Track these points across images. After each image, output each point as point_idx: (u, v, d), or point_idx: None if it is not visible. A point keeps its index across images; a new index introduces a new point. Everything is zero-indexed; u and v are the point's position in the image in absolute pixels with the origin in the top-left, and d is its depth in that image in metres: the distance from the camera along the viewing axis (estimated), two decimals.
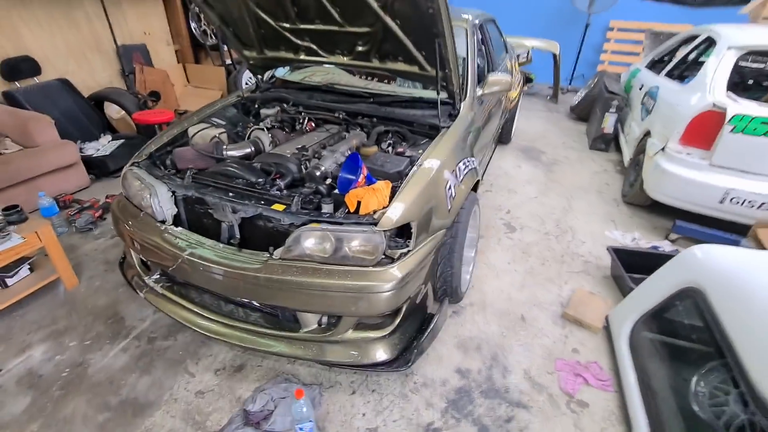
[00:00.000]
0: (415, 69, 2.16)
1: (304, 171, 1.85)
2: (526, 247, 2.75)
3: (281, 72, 2.92)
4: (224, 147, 2.04)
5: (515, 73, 4.05)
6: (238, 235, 1.69)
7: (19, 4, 3.37)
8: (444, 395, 1.73)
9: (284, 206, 1.63)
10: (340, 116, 2.35)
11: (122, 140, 3.65)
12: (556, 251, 2.71)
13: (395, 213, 1.54)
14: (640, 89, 3.91)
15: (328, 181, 1.81)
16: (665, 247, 2.72)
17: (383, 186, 1.63)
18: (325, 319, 1.70)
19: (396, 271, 1.53)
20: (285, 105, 2.49)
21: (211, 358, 1.86)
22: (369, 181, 1.68)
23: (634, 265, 2.36)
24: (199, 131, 2.19)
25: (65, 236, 2.68)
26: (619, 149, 4.39)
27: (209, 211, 1.74)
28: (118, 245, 2.61)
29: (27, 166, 2.80)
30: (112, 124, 3.96)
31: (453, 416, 1.65)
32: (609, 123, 4.29)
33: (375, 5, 1.79)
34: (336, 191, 1.71)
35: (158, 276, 1.95)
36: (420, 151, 1.94)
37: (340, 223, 1.53)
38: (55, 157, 2.97)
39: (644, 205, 3.22)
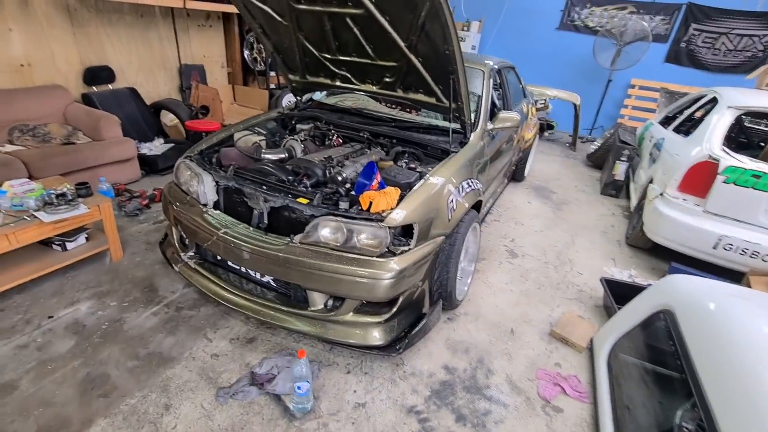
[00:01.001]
0: (432, 100, 2.49)
1: (328, 175, 2.16)
2: (525, 272, 2.92)
3: (318, 95, 3.34)
4: (263, 150, 2.39)
5: (531, 117, 4.37)
6: (266, 221, 1.99)
7: (107, 24, 3.99)
8: (429, 385, 1.90)
9: (308, 200, 1.93)
10: (365, 135, 2.68)
11: (172, 144, 4.12)
12: (553, 279, 2.88)
13: (400, 214, 1.81)
14: (650, 141, 4.13)
15: (347, 185, 2.11)
16: None
17: (392, 191, 1.91)
18: (330, 302, 1.94)
19: (395, 263, 1.77)
20: (318, 122, 2.86)
21: (228, 329, 2.10)
22: (381, 186, 1.96)
23: (625, 297, 2.49)
24: (242, 136, 2.57)
25: (116, 218, 3.05)
26: (628, 196, 4.55)
27: (244, 199, 2.05)
28: (159, 230, 2.96)
29: (93, 156, 3.25)
30: (165, 130, 4.46)
31: (435, 403, 1.81)
32: (620, 170, 4.49)
33: (402, 44, 2.15)
34: (353, 193, 2.00)
35: (193, 253, 2.26)
36: (429, 169, 2.23)
37: (353, 218, 1.81)
38: (116, 151, 3.42)
39: (645, 247, 3.35)
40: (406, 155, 2.54)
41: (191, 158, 2.32)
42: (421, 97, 2.53)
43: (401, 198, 1.92)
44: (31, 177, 2.91)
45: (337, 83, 2.80)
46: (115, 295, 2.28)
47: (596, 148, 5.71)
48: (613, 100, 7.10)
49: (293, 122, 2.96)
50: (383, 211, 1.84)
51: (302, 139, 2.68)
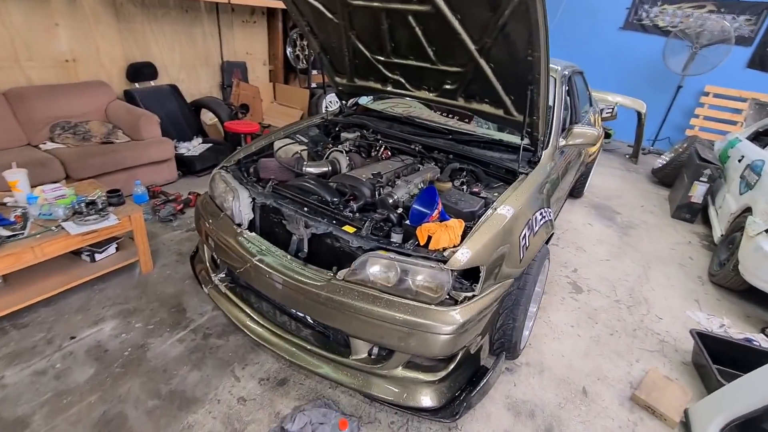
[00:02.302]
0: (499, 112, 2.15)
1: (376, 196, 1.88)
2: (592, 312, 2.53)
3: (364, 100, 3.06)
4: (304, 163, 2.14)
5: (598, 128, 3.90)
6: (306, 250, 1.73)
7: (153, 19, 3.90)
8: None
9: (355, 228, 1.65)
10: (416, 148, 2.38)
11: (211, 144, 3.99)
12: (627, 323, 2.47)
13: (466, 254, 1.50)
14: (740, 161, 3.57)
15: (399, 210, 1.81)
16: (761, 341, 2.37)
17: (456, 224, 1.60)
18: (376, 350, 1.66)
19: (458, 314, 1.47)
20: (365, 131, 2.58)
21: (258, 366, 1.87)
22: (442, 217, 1.65)
23: (721, 355, 2.07)
24: (283, 146, 2.33)
25: (148, 223, 2.92)
26: (706, 222, 4.00)
27: (282, 222, 1.81)
28: (191, 239, 2.79)
29: (131, 156, 3.14)
30: (204, 129, 4.35)
31: None
32: (698, 192, 3.94)
33: (472, 47, 1.82)
34: (407, 222, 1.71)
35: (224, 275, 2.04)
36: (495, 194, 1.90)
37: (408, 255, 1.51)
38: (154, 151, 3.30)
39: (737, 289, 2.85)
40: (464, 174, 2.21)
41: (227, 169, 2.10)
42: (485, 107, 2.20)
43: (465, 232, 1.60)
44: (67, 177, 2.82)
45: (389, 88, 2.51)
46: (141, 314, 2.11)
47: (664, 163, 5.12)
48: (681, 108, 6.40)
49: (337, 129, 2.70)
50: (444, 248, 1.53)
51: (347, 149, 2.41)
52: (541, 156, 2.19)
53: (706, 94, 6.18)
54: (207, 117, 4.38)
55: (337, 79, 2.71)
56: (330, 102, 5.16)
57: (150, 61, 3.91)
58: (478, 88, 2.10)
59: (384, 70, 2.37)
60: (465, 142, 2.34)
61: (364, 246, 1.59)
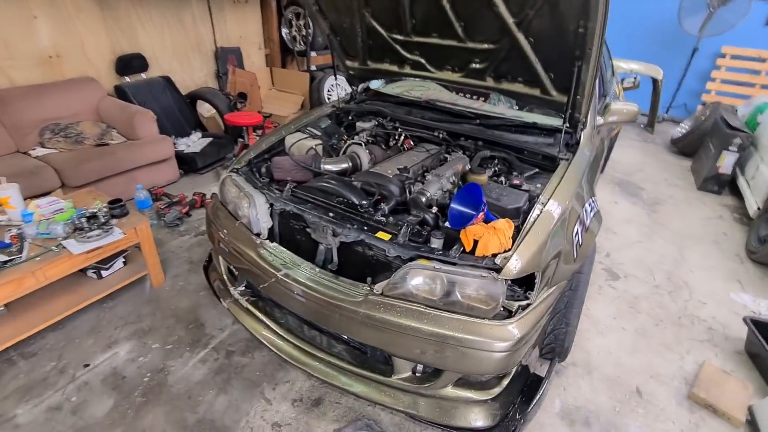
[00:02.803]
0: (535, 92, 1.94)
1: (407, 195, 1.70)
2: (633, 300, 2.39)
3: (375, 84, 2.82)
4: (322, 160, 1.95)
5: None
6: (336, 260, 1.56)
7: (137, 3, 3.60)
8: None
9: (389, 235, 1.48)
10: (440, 136, 2.18)
11: (211, 138, 3.76)
12: (671, 311, 2.33)
13: (518, 262, 1.33)
14: None
15: (434, 210, 1.64)
16: None
17: (505, 225, 1.42)
18: (420, 367, 1.51)
19: (514, 328, 1.31)
20: (382, 119, 2.37)
21: (288, 385, 1.74)
22: (487, 217, 1.48)
23: None
24: (296, 141, 2.12)
25: (154, 229, 2.73)
26: (735, 193, 3.82)
27: (306, 229, 1.63)
28: (201, 245, 2.63)
29: (129, 158, 2.93)
30: (203, 122, 4.11)
31: None
32: (726, 162, 3.74)
33: (510, 21, 1.60)
34: (445, 223, 1.53)
35: (243, 288, 1.88)
36: (538, 186, 1.71)
37: (454, 263, 1.35)
38: (153, 151, 3.09)
39: None
40: (496, 162, 2.02)
41: (238, 171, 1.91)
42: (518, 87, 1.98)
43: (514, 232, 1.43)
44: (63, 186, 2.63)
45: (406, 70, 2.28)
46: (156, 333, 1.96)
47: (685, 132, 4.90)
48: (696, 72, 6.10)
49: (350, 118, 2.48)
50: (494, 255, 1.36)
51: (364, 140, 2.21)
52: (580, 138, 1.99)
53: (723, 55, 5.88)
54: (204, 109, 4.14)
55: (348, 63, 2.48)
56: (332, 86, 4.89)
57: (139, 52, 3.64)
58: (512, 66, 1.88)
59: (402, 51, 2.14)
60: (495, 127, 2.14)
61: (402, 255, 1.42)
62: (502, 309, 1.34)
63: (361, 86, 2.77)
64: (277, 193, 1.73)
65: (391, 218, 1.56)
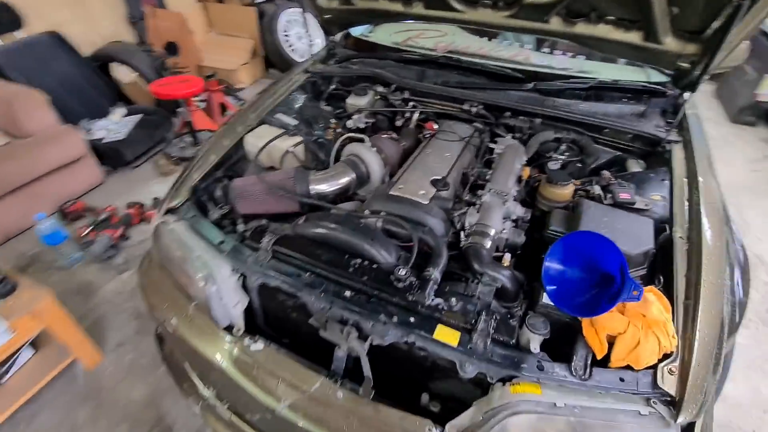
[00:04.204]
0: (633, 38, 1.26)
1: (461, 240, 1.07)
2: None
3: (358, 30, 1.97)
4: (310, 178, 1.23)
5: None
6: (369, 375, 0.94)
7: None
8: None
9: (457, 331, 0.87)
10: (473, 110, 1.48)
11: (140, 116, 2.81)
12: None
13: (697, 380, 0.77)
14: None
15: (507, 260, 1.03)
16: None
17: (660, 306, 0.83)
18: None
19: None
20: (382, 88, 1.61)
21: None
22: (629, 294, 0.86)
23: None
24: (263, 146, 1.37)
25: (80, 268, 1.99)
26: None
27: (310, 321, 0.98)
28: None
29: (17, 169, 2.04)
30: (125, 92, 3.10)
31: None
32: None
33: None
34: (544, 300, 0.93)
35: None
36: (653, 196, 1.11)
37: (590, 394, 0.78)
38: (54, 151, 2.19)
39: None
40: (563, 150, 1.38)
41: (180, 213, 1.19)
42: (605, 31, 1.29)
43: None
44: None
45: (417, 10, 1.50)
46: None
47: None
48: None
49: (334, 88, 1.70)
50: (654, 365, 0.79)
51: (360, 126, 1.49)
52: (684, 106, 1.36)
53: None
54: (122, 73, 3.09)
55: (320, 1, 1.63)
56: (288, 22, 3.83)
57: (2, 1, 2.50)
58: None
59: None
60: (557, 93, 1.45)
61: (490, 374, 0.83)
62: None
63: (339, 34, 1.93)
64: (250, 252, 1.06)
65: (454, 301, 0.94)
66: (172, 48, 3.46)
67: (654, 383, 0.78)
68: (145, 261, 1.28)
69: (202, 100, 3.10)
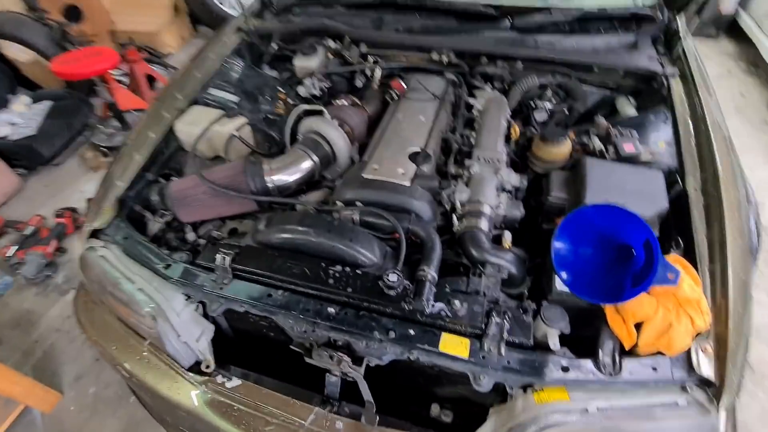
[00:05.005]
0: None
1: (455, 225, 0.92)
2: None
3: None
4: (264, 168, 1.02)
5: None
6: (370, 400, 0.81)
7: None
8: None
9: (466, 339, 0.75)
10: (444, 59, 1.27)
11: (49, 102, 2.36)
12: None
13: (735, 357, 0.70)
14: None
15: (508, 241, 0.90)
16: None
17: (690, 282, 0.73)
18: None
19: None
20: (333, 42, 1.35)
21: None
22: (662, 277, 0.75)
23: None
24: (200, 134, 1.12)
25: (12, 296, 1.72)
26: (738, 35, 3.26)
27: (291, 346, 0.83)
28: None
29: None
30: (27, 75, 2.58)
31: None
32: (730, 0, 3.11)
33: None
34: (558, 286, 0.81)
35: None
36: (662, 143, 1.00)
37: (613, 382, 0.69)
38: None
39: None
40: (549, 96, 1.22)
41: (106, 234, 0.96)
42: None
43: None
44: None
45: None
46: None
47: None
48: None
49: (276, 48, 1.42)
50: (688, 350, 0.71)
51: (316, 94, 1.26)
52: (679, 29, 1.22)
53: None
54: (16, 53, 2.55)
55: None
56: None
57: None
58: None
59: None
60: (536, 30, 1.25)
61: (507, 383, 0.72)
62: None
63: None
64: (205, 276, 0.87)
65: (450, 293, 0.80)
66: (73, 13, 2.88)
67: (690, 367, 0.70)
68: (80, 293, 1.06)
69: (123, 74, 2.65)
